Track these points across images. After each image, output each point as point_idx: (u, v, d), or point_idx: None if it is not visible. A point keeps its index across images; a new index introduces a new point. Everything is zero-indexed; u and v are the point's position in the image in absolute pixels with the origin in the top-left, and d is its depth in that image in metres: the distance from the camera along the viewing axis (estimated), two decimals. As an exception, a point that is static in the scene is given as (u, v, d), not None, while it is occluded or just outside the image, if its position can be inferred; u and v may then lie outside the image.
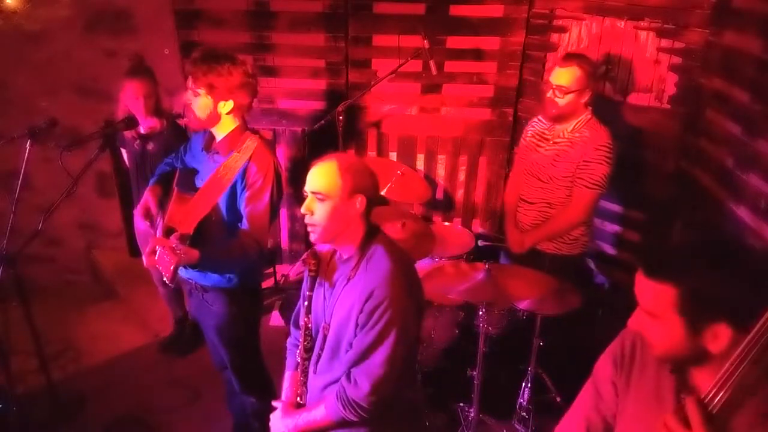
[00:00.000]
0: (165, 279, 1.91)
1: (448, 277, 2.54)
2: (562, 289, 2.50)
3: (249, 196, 2.09)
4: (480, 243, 3.33)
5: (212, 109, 2.07)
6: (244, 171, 2.09)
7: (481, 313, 2.55)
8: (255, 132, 2.20)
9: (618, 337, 1.34)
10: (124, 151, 3.15)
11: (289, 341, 2.02)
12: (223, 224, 2.16)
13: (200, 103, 2.06)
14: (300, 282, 4.31)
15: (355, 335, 1.65)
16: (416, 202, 3.80)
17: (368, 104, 3.77)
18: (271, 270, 4.02)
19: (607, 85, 3.20)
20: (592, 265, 3.49)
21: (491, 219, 4.01)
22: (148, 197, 2.28)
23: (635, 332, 1.24)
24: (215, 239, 2.13)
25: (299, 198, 4.42)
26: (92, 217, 4.19)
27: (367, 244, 1.70)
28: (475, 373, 2.61)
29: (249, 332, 2.42)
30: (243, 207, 2.10)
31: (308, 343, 1.83)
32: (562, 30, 3.34)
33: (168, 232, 2.07)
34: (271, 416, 1.89)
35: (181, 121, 3.13)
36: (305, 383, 1.85)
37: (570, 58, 2.60)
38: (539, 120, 2.81)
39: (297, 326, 1.97)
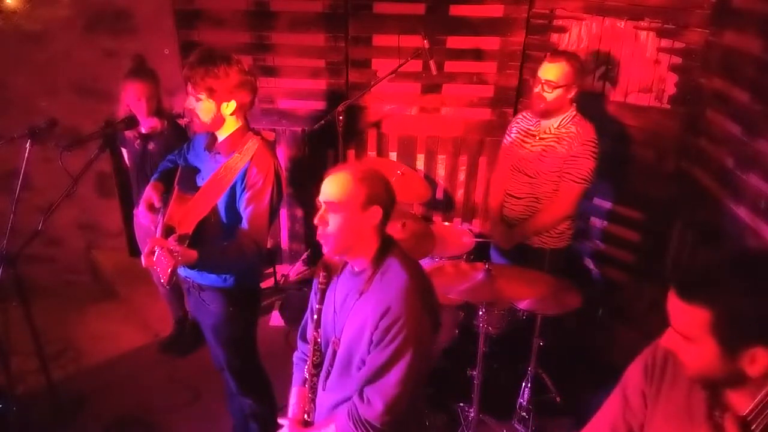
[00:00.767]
0: (162, 281, 1.91)
1: (448, 277, 2.54)
2: (561, 289, 2.50)
3: (249, 198, 2.08)
4: (467, 240, 3.32)
5: (216, 111, 2.07)
6: (245, 172, 2.09)
7: (481, 313, 2.56)
8: (257, 133, 2.19)
9: (650, 346, 1.30)
10: (124, 151, 3.15)
11: (296, 355, 1.96)
12: (221, 225, 2.16)
13: (203, 108, 2.05)
14: (300, 282, 4.33)
15: (369, 352, 1.59)
16: (416, 202, 3.80)
17: (368, 104, 3.77)
18: (271, 270, 4.02)
19: (607, 85, 3.20)
20: (591, 265, 3.49)
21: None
22: (150, 192, 2.28)
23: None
24: (213, 240, 2.13)
25: (300, 198, 4.43)
26: (92, 217, 4.19)
27: (382, 257, 1.64)
28: (475, 373, 2.61)
29: (246, 333, 2.41)
30: (243, 208, 2.10)
31: (317, 358, 1.78)
32: (562, 30, 3.34)
33: (167, 231, 2.06)
34: None
35: (181, 121, 3.13)
36: (313, 400, 1.80)
37: (559, 53, 2.65)
38: (524, 116, 2.84)
39: (304, 339, 1.91)
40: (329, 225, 1.60)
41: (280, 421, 1.84)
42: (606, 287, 3.37)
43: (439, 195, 4.00)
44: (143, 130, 2.97)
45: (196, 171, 2.24)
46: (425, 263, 3.04)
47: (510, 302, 2.62)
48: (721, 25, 2.69)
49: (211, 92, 2.02)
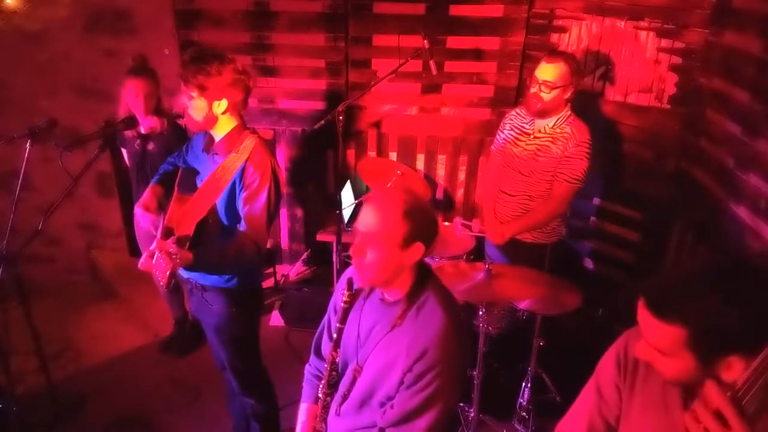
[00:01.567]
0: (161, 284, 1.90)
1: (448, 277, 2.54)
2: (562, 289, 2.50)
3: (246, 197, 2.08)
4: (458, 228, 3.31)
5: (207, 110, 2.06)
6: (242, 171, 2.08)
7: (481, 313, 2.56)
8: (254, 132, 2.19)
9: (621, 338, 1.31)
10: (124, 151, 3.15)
11: (308, 370, 1.89)
12: (220, 226, 2.16)
13: (195, 106, 2.05)
14: (300, 282, 4.33)
15: (397, 391, 1.52)
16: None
17: (368, 104, 3.77)
18: (271, 270, 4.02)
19: (607, 85, 3.20)
20: (591, 265, 3.49)
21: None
22: (148, 195, 2.28)
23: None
24: (214, 240, 2.13)
25: (300, 198, 4.43)
26: (92, 217, 4.19)
27: (418, 290, 1.54)
28: (475, 373, 2.61)
29: (249, 333, 2.41)
30: (241, 207, 2.10)
31: (333, 378, 1.70)
32: (562, 30, 3.34)
33: (167, 233, 2.06)
34: None
35: (181, 122, 3.13)
36: (325, 420, 1.73)
37: (556, 54, 2.66)
38: (518, 113, 2.84)
39: (319, 354, 1.85)
40: (366, 257, 1.49)
41: None
42: (606, 287, 3.37)
43: (439, 195, 4.00)
44: (143, 131, 2.97)
45: (196, 173, 2.24)
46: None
47: (510, 302, 2.63)
48: (721, 25, 2.69)
49: (202, 90, 2.01)
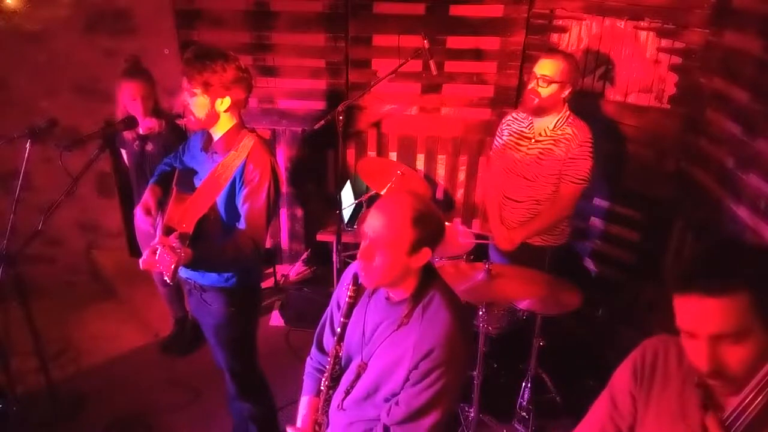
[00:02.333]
0: (166, 278, 1.90)
1: (448, 277, 2.53)
2: (562, 289, 2.50)
3: (246, 194, 2.08)
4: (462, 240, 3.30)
5: (210, 107, 2.06)
6: (242, 169, 2.09)
7: (481, 313, 2.55)
8: (252, 130, 2.19)
9: (638, 348, 1.29)
10: (123, 152, 3.15)
11: (310, 363, 1.91)
12: (221, 223, 2.16)
13: (197, 103, 2.05)
14: (300, 282, 4.33)
15: (402, 388, 1.55)
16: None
17: (368, 104, 3.77)
18: (271, 270, 4.02)
19: (607, 85, 3.20)
20: (591, 265, 3.49)
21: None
22: (148, 196, 2.28)
23: (659, 348, 1.22)
24: (213, 239, 2.13)
25: (300, 198, 4.43)
26: (92, 217, 4.19)
27: (423, 290, 1.57)
28: (475, 373, 2.61)
29: (247, 333, 2.41)
30: (240, 205, 2.10)
31: (336, 372, 1.73)
32: (562, 30, 3.34)
33: (167, 231, 2.06)
34: None
35: (180, 122, 3.13)
36: (327, 413, 1.75)
37: (555, 50, 2.70)
38: (514, 118, 2.83)
39: (321, 349, 1.87)
40: (374, 261, 1.50)
41: (289, 429, 1.77)
42: (606, 287, 3.37)
43: (439, 195, 4.00)
44: (141, 131, 2.97)
45: (194, 173, 2.24)
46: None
47: (510, 302, 2.63)
48: (721, 25, 2.69)
49: (206, 87, 2.01)
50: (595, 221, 3.42)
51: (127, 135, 3.00)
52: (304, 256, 4.19)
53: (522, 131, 2.77)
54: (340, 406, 1.72)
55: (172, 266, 1.86)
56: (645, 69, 3.03)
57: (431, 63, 3.10)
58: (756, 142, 2.37)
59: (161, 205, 2.27)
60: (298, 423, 1.83)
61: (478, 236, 3.25)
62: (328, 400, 1.74)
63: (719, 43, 2.70)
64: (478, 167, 3.91)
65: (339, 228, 3.27)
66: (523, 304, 2.49)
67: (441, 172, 3.95)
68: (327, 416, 1.75)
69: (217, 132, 2.15)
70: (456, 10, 3.51)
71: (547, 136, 2.67)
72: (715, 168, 2.68)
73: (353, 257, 2.59)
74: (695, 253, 1.10)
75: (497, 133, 2.93)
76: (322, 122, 3.19)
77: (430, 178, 3.93)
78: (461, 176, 3.95)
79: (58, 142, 2.35)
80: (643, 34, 3.00)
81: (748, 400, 0.98)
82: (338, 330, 1.68)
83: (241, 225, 2.11)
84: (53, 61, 3.71)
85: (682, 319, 1.06)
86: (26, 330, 2.62)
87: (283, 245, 4.24)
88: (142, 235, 3.19)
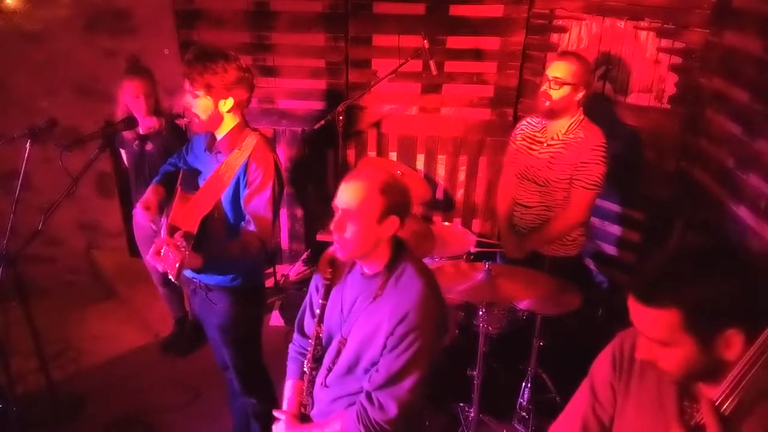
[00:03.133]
0: (170, 277, 1.90)
1: (448, 277, 2.54)
2: (562, 289, 2.50)
3: (250, 193, 2.08)
4: (473, 249, 3.27)
5: (213, 109, 2.06)
6: (245, 168, 2.09)
7: (481, 313, 2.55)
8: (255, 129, 2.19)
9: (616, 338, 1.32)
10: (123, 152, 3.15)
11: (293, 348, 1.97)
12: (225, 223, 2.16)
13: (201, 105, 2.05)
14: (300, 282, 4.32)
15: (381, 355, 1.61)
16: (416, 202, 3.80)
17: (368, 104, 3.77)
18: (271, 270, 4.02)
19: (607, 85, 3.20)
20: (591, 265, 3.49)
21: (491, 219, 4.01)
22: (149, 195, 2.28)
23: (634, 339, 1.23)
24: (218, 238, 2.13)
25: (300, 198, 4.42)
26: (92, 217, 4.20)
27: (396, 262, 1.66)
28: (475, 373, 2.61)
29: (251, 332, 2.42)
30: (245, 204, 2.10)
31: (318, 352, 1.79)
32: (562, 30, 3.34)
33: (172, 231, 2.06)
34: (274, 427, 1.84)
35: (180, 122, 3.13)
36: (311, 393, 1.81)
37: (568, 52, 2.66)
38: (529, 122, 2.80)
39: (302, 333, 1.93)
40: (346, 232, 1.59)
41: (276, 414, 1.84)
42: (606, 287, 3.37)
43: (439, 195, 4.00)
44: (141, 131, 2.97)
45: (198, 173, 2.24)
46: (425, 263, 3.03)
47: (510, 302, 2.63)
48: (721, 25, 2.69)
49: (208, 89, 2.01)
50: (595, 221, 3.42)
51: (127, 135, 3.00)
52: (304, 256, 4.19)
53: (535, 135, 2.73)
54: (323, 384, 1.77)
55: (177, 264, 1.86)
56: (645, 69, 3.03)
57: (431, 63, 3.10)
58: (756, 142, 2.37)
59: (163, 205, 2.27)
60: (284, 407, 1.88)
61: (488, 244, 3.24)
62: (311, 381, 1.81)
63: (719, 43, 2.70)
64: (478, 167, 3.91)
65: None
66: (523, 304, 2.49)
67: (441, 172, 3.95)
68: (312, 397, 1.81)
69: (221, 132, 2.15)
70: (456, 10, 3.51)
71: (559, 140, 2.63)
72: (715, 168, 2.68)
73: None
74: (655, 260, 1.12)
75: (511, 137, 2.89)
76: (322, 122, 3.20)
77: (430, 178, 3.93)
78: (461, 176, 3.95)
79: (58, 142, 2.35)
80: (643, 34, 3.00)
81: (735, 382, 1.00)
82: (317, 311, 1.76)
83: (247, 224, 2.11)
84: (53, 61, 3.71)
85: (630, 313, 1.13)
86: (26, 330, 2.62)
87: (283, 245, 4.24)
88: (140, 231, 3.19)
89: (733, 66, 2.61)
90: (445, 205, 4.02)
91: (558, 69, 2.54)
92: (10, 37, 3.63)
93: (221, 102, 2.06)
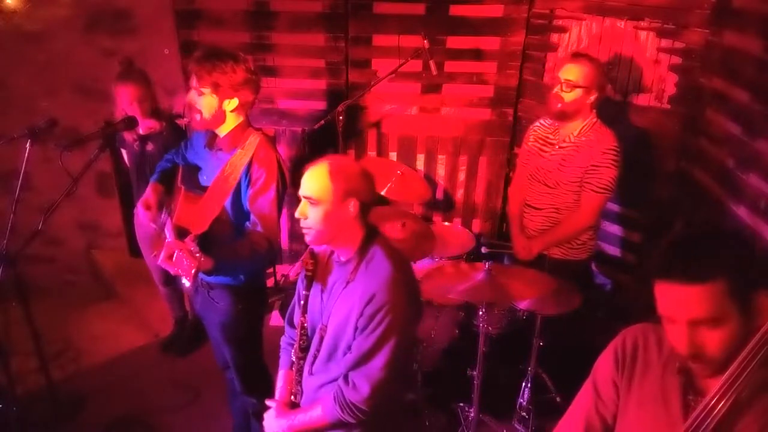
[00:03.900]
0: (185, 281, 1.89)
1: (448, 277, 2.54)
2: (562, 289, 2.50)
3: (254, 193, 2.08)
4: (483, 250, 3.27)
5: (217, 107, 2.07)
6: (248, 168, 2.09)
7: (481, 313, 2.55)
8: (257, 129, 2.20)
9: (619, 336, 1.32)
10: (123, 152, 3.15)
11: (284, 339, 2.03)
12: (230, 224, 2.16)
13: (205, 103, 2.05)
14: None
15: (354, 338, 1.66)
16: (416, 202, 3.80)
17: (368, 104, 3.77)
18: (271, 270, 4.02)
19: (607, 85, 3.19)
20: (592, 265, 3.49)
21: (491, 219, 4.01)
22: (149, 193, 2.28)
23: (640, 334, 1.24)
24: (224, 239, 2.13)
25: (300, 198, 4.40)
26: (92, 217, 4.20)
27: (366, 247, 1.71)
28: (475, 373, 2.61)
29: (253, 331, 2.42)
30: (249, 204, 2.10)
31: (304, 342, 1.84)
32: (562, 30, 3.34)
33: (180, 232, 2.05)
34: (265, 415, 1.89)
35: (180, 121, 3.13)
36: (300, 382, 1.86)
37: (581, 54, 2.62)
38: (542, 124, 2.79)
39: (292, 325, 1.98)
40: (309, 218, 1.68)
41: (268, 402, 1.90)
42: (606, 287, 3.37)
43: (439, 195, 4.00)
44: (141, 131, 2.97)
45: (198, 169, 2.24)
46: (425, 263, 3.04)
47: (510, 302, 2.63)
48: (721, 25, 2.69)
49: (215, 87, 2.02)
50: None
51: (127, 135, 3.00)
52: (303, 256, 4.18)
53: (547, 137, 2.72)
54: (310, 372, 1.83)
55: (192, 271, 1.85)
56: (645, 69, 3.03)
57: (431, 63, 3.10)
58: (756, 142, 2.37)
59: (163, 202, 2.27)
60: (276, 396, 1.94)
61: (499, 245, 3.23)
62: (300, 370, 1.86)
63: (719, 43, 2.70)
64: (478, 167, 3.91)
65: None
66: (523, 304, 2.49)
67: (441, 172, 3.95)
68: (301, 385, 1.86)
69: (223, 130, 2.16)
70: (456, 10, 3.51)
71: (570, 142, 2.61)
72: (715, 168, 2.68)
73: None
74: (675, 240, 1.11)
75: (525, 138, 2.88)
76: (322, 122, 3.20)
77: (430, 178, 3.93)
78: (461, 176, 3.95)
79: (58, 142, 2.35)
80: (643, 34, 3.00)
81: (731, 381, 1.01)
82: (302, 302, 1.82)
83: (253, 225, 2.10)
84: (53, 61, 3.71)
85: (662, 305, 1.09)
86: (26, 330, 2.62)
87: (283, 245, 4.24)
88: (141, 230, 3.18)
89: (733, 66, 2.60)
90: (445, 205, 4.03)
91: (570, 71, 2.53)
92: (10, 37, 3.63)
93: (226, 101, 2.07)
